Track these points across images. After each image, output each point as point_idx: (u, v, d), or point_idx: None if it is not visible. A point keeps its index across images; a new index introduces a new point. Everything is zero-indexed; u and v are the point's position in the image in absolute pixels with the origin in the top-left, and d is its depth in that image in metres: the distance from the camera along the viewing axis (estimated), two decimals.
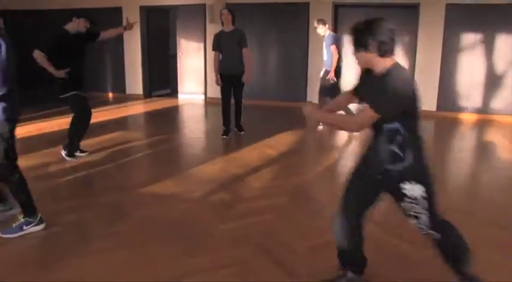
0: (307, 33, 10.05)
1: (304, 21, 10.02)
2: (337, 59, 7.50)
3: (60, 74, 5.37)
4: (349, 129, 3.08)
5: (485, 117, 9.06)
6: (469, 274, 2.77)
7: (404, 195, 2.66)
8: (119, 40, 11.50)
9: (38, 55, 5.33)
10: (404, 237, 3.71)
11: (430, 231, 2.76)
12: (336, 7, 9.98)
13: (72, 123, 5.75)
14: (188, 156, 6.67)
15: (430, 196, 2.68)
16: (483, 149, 7.02)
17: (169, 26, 12.53)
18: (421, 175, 2.67)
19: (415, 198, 2.65)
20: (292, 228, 3.95)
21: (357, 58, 2.60)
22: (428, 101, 9.43)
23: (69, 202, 4.53)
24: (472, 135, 7.98)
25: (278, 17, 10.33)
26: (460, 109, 9.34)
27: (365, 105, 2.55)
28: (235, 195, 4.75)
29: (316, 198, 4.75)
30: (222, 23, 7.06)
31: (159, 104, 10.96)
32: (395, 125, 2.56)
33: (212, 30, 10.68)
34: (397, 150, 2.60)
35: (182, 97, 11.68)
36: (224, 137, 7.21)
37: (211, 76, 7.08)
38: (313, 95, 10.31)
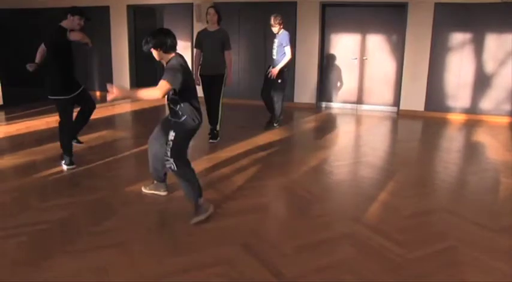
0: (295, 32, 10.03)
1: (292, 20, 10.00)
2: (290, 59, 7.68)
3: (31, 67, 5.44)
4: (153, 95, 3.91)
5: (473, 118, 9.11)
6: (198, 204, 4.01)
7: (168, 136, 4.03)
8: (107, 39, 11.45)
9: (41, 49, 5.42)
10: (396, 239, 3.72)
11: (168, 158, 3.98)
12: (324, 6, 9.97)
13: (61, 131, 5.52)
14: None
15: (176, 139, 3.97)
16: (471, 150, 7.06)
17: (156, 25, 12.47)
18: (180, 128, 4.00)
19: (169, 140, 3.98)
20: (279, 228, 3.94)
21: (154, 54, 4.00)
22: (416, 100, 9.48)
23: (56, 200, 4.50)
24: (460, 135, 8.02)
25: (266, 16, 10.30)
26: (448, 109, 9.37)
27: (161, 80, 3.79)
28: (221, 194, 4.73)
29: (303, 197, 4.74)
30: (207, 21, 6.88)
31: (146, 103, 10.90)
32: (176, 96, 3.95)
33: (199, 29, 10.66)
34: (178, 110, 4.01)
35: None
36: (211, 140, 7.00)
37: (198, 75, 6.91)
38: (299, 94, 10.34)
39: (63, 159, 5.56)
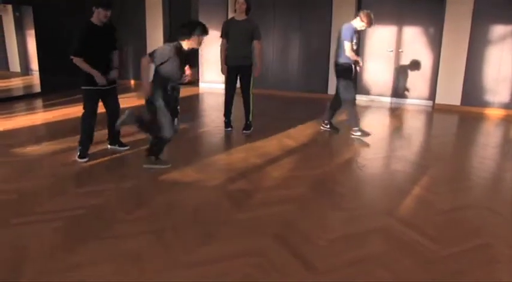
0: (330, 23, 9.95)
1: (327, 11, 9.92)
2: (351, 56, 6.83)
3: (101, 80, 5.31)
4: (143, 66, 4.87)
5: None
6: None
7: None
8: (142, 28, 11.55)
9: (77, 61, 5.24)
10: (429, 235, 3.66)
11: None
12: None
13: (81, 119, 5.55)
14: (208, 145, 6.66)
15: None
16: (508, 146, 6.88)
17: (192, 14, 12.52)
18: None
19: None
20: (312, 220, 3.92)
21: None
22: (452, 94, 9.29)
23: (91, 186, 4.59)
24: (498, 131, 7.83)
25: (301, 6, 10.24)
26: (485, 104, 9.16)
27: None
28: (254, 185, 4.74)
29: (336, 190, 4.71)
30: (235, 10, 6.72)
31: (180, 92, 10.97)
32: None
33: None
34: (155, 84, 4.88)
35: (203, 86, 11.69)
36: (228, 129, 7.06)
37: (224, 65, 6.81)
38: (333, 86, 10.22)
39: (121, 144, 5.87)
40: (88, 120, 5.50)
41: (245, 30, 6.62)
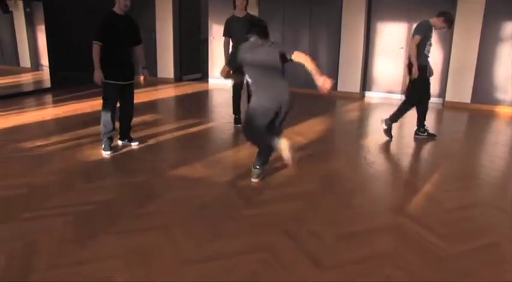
0: (340, 20, 9.92)
1: (337, 7, 9.89)
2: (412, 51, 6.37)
3: (98, 78, 5.27)
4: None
5: None
6: None
7: None
8: (151, 23, 11.57)
9: (94, 48, 5.24)
10: (438, 232, 3.65)
11: None
12: None
13: (102, 112, 5.59)
14: (217, 141, 6.67)
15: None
16: None
17: (201, 10, 12.53)
18: None
19: None
20: (321, 216, 3.92)
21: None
22: (462, 92, 9.24)
23: (101, 182, 4.62)
24: (508, 129, 7.77)
25: (311, 4, 10.22)
26: (496, 102, 9.10)
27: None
28: (263, 181, 4.74)
29: (346, 186, 4.70)
30: (234, 7, 6.77)
31: (189, 88, 11.01)
32: None
33: None
34: None
35: (213, 82, 11.70)
36: (239, 125, 7.00)
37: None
38: (343, 83, 10.23)
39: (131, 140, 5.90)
40: (108, 114, 5.53)
41: (246, 25, 6.56)
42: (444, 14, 6.39)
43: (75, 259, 3.09)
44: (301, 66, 4.35)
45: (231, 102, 7.19)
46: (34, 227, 3.57)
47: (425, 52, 6.40)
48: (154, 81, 11.66)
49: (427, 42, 6.34)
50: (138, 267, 3.02)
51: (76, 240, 3.38)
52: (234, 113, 7.15)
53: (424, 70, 6.41)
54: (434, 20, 6.40)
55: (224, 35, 6.84)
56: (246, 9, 6.81)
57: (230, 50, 6.70)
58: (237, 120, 7.12)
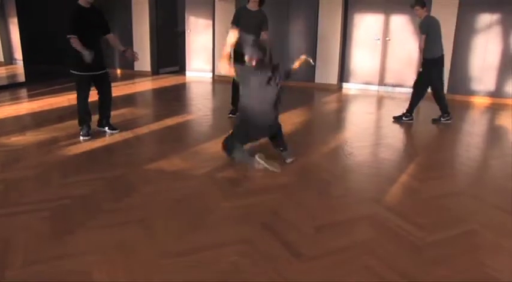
0: (317, 12, 9.94)
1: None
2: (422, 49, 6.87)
3: (89, 57, 5.35)
4: None
5: (498, 101, 8.97)
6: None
7: None
8: (127, 16, 11.45)
9: (74, 40, 5.36)
10: (415, 222, 3.69)
11: None
12: None
13: (77, 104, 5.85)
14: (195, 134, 6.65)
15: None
16: (494, 134, 6.95)
17: (178, 2, 12.44)
18: None
19: None
20: (299, 208, 3.93)
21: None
22: None
23: (78, 176, 4.56)
24: (483, 119, 7.90)
25: None
26: (471, 92, 9.24)
27: None
28: (241, 173, 4.74)
29: (324, 178, 4.72)
30: (248, 1, 6.92)
31: (166, 81, 10.94)
32: None
33: (221, 7, 10.64)
34: None
35: (190, 74, 11.65)
36: (231, 115, 7.17)
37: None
38: (321, 75, 10.27)
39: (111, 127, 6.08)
40: (81, 104, 5.76)
41: (256, 19, 6.82)
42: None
43: (53, 255, 3.06)
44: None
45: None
46: (10, 224, 3.52)
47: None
48: (131, 74, 11.56)
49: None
50: (117, 261, 3.00)
51: (53, 235, 3.34)
52: (232, 104, 7.20)
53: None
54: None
55: (232, 22, 6.90)
56: (259, 6, 6.91)
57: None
58: (233, 111, 7.18)
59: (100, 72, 5.76)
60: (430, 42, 6.75)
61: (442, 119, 7.18)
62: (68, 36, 5.34)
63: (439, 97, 7.09)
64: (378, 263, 3.05)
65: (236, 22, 6.84)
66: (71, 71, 5.60)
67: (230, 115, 7.20)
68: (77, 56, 5.37)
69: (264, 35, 6.82)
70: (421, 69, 7.01)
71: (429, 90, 7.07)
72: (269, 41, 6.81)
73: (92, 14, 5.56)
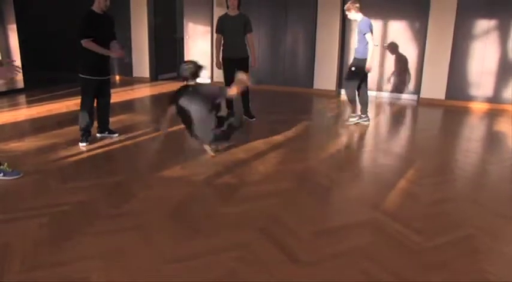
0: (315, 19, 9.97)
1: (312, 5, 9.94)
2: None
3: (118, 53, 5.63)
4: None
5: (496, 107, 8.97)
6: None
7: None
8: (126, 23, 11.47)
9: (87, 44, 5.45)
10: (414, 227, 3.69)
11: None
12: None
13: (80, 109, 5.83)
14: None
15: None
16: (492, 139, 6.95)
17: (177, 9, 12.48)
18: None
19: None
20: (297, 213, 3.93)
21: None
22: (437, 88, 9.36)
23: (76, 182, 4.56)
24: (482, 125, 7.90)
25: (286, 1, 10.25)
26: (470, 98, 9.25)
27: None
28: (240, 179, 4.74)
29: (322, 183, 4.73)
30: (227, 6, 7.04)
31: (165, 87, 10.94)
32: None
33: (219, 13, 10.63)
34: None
35: None
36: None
37: (220, 60, 7.07)
38: (319, 80, 10.28)
39: (111, 132, 6.14)
40: (86, 110, 5.75)
41: (239, 24, 6.93)
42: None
43: (51, 261, 3.05)
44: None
45: None
46: (9, 229, 3.52)
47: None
48: (130, 80, 11.57)
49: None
50: (116, 267, 3.00)
51: (52, 241, 3.33)
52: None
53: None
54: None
55: (216, 31, 7.11)
56: (238, 9, 7.01)
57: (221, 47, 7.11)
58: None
59: (107, 77, 5.89)
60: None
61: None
62: (82, 40, 5.43)
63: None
64: (376, 268, 3.04)
65: (220, 30, 7.02)
66: (79, 75, 5.64)
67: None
68: (88, 60, 5.51)
69: (249, 37, 7.00)
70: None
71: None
72: (252, 43, 7.15)
73: (104, 21, 5.63)
